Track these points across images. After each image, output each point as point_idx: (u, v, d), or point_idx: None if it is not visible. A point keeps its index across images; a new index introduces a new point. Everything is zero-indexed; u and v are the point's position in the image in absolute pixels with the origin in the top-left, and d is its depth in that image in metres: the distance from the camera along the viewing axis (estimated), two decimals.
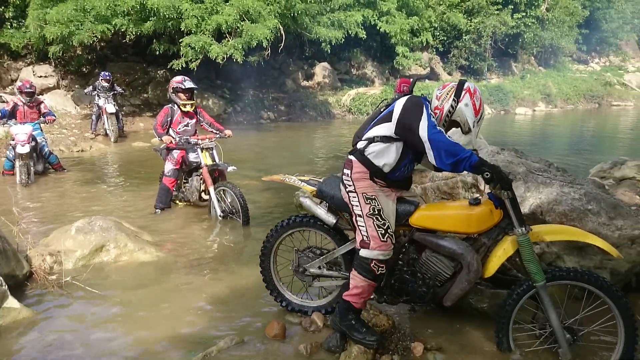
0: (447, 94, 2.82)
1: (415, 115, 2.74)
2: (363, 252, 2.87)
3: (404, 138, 2.84)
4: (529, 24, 25.20)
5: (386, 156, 2.88)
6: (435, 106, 2.85)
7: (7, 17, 13.68)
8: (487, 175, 2.60)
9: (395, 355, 2.89)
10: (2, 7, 13.76)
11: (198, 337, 3.20)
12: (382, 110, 3.02)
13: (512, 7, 24.56)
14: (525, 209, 4.00)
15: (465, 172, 2.75)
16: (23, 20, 13.09)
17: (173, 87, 5.96)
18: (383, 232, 2.84)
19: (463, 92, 2.79)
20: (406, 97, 2.88)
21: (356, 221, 2.93)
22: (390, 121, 2.84)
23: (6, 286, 3.44)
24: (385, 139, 2.87)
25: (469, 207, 2.85)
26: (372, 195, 2.90)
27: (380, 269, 2.86)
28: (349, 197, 2.97)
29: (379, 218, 2.86)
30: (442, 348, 3.01)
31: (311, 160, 10.16)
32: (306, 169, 9.10)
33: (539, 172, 4.38)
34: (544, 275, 2.72)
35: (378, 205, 2.88)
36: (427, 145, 2.68)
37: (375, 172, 2.91)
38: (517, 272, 3.56)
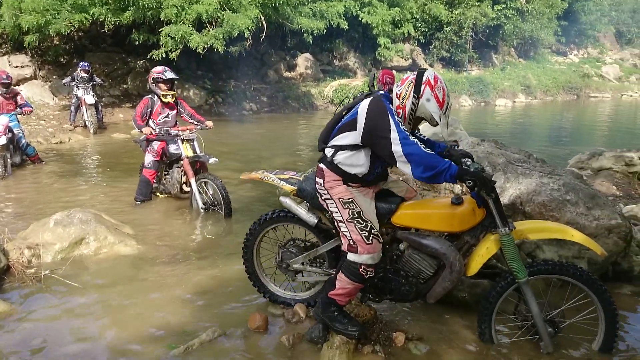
0: (407, 90, 2.66)
1: (382, 125, 2.61)
2: (351, 257, 2.81)
3: (372, 147, 2.73)
4: (509, 15, 25.43)
5: (357, 163, 2.78)
6: (397, 105, 2.71)
7: None
8: (469, 183, 2.54)
9: (377, 345, 2.91)
10: None
11: (179, 329, 3.18)
12: (344, 113, 2.91)
13: None
14: (504, 199, 4.05)
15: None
16: None
17: (153, 78, 5.88)
18: (367, 234, 2.77)
19: (422, 87, 2.63)
20: (368, 101, 2.72)
21: (339, 227, 2.87)
22: (355, 130, 2.72)
23: None
24: (352, 147, 2.77)
25: (451, 206, 2.80)
26: (348, 199, 2.81)
27: (369, 272, 2.80)
28: (326, 204, 2.90)
29: (360, 220, 2.78)
30: (423, 338, 3.04)
31: (294, 152, 10.14)
32: (289, 160, 9.08)
33: (519, 163, 4.43)
34: (526, 272, 2.74)
35: (357, 207, 2.80)
36: (403, 160, 2.56)
37: (348, 178, 2.84)
38: (497, 262, 3.61)
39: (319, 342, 2.95)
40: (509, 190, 4.13)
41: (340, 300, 2.92)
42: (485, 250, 2.77)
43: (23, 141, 7.97)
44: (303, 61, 20.11)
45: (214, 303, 3.55)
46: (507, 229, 2.70)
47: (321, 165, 2.91)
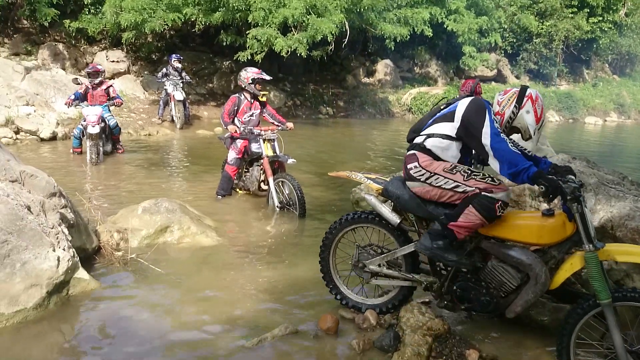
0: (509, 99, 2.83)
1: (478, 120, 2.75)
2: (489, 194, 2.77)
3: (465, 140, 2.84)
4: (606, 29, 23.92)
5: (448, 152, 2.90)
6: (496, 111, 2.87)
7: (85, 3, 14.38)
8: (542, 188, 2.56)
9: None
10: None
11: (252, 322, 3.27)
12: (442, 108, 3.02)
13: (588, 10, 23.40)
14: (594, 222, 3.83)
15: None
16: (100, 7, 13.69)
17: (253, 78, 6.11)
18: (490, 179, 2.78)
19: (525, 99, 2.80)
20: (470, 99, 2.88)
21: (458, 195, 2.83)
22: (453, 121, 2.86)
23: (77, 258, 3.64)
24: (445, 136, 2.89)
25: (541, 218, 2.76)
26: (452, 165, 2.86)
27: (501, 210, 2.75)
28: (429, 184, 2.89)
29: (475, 173, 2.79)
30: (498, 358, 2.93)
31: (368, 157, 10.12)
32: (362, 165, 9.08)
33: (612, 184, 4.17)
34: (610, 294, 2.59)
35: (463, 167, 2.84)
36: (491, 154, 2.69)
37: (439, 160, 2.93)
38: (580, 287, 3.43)
39: (390, 351, 2.93)
40: (600, 212, 3.90)
41: (458, 232, 2.84)
42: (570, 265, 2.70)
43: (113, 121, 8.46)
44: (383, 67, 20.02)
45: (285, 299, 3.62)
46: (591, 245, 2.60)
47: (412, 151, 3.00)
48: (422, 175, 2.92)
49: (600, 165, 4.72)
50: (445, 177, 2.85)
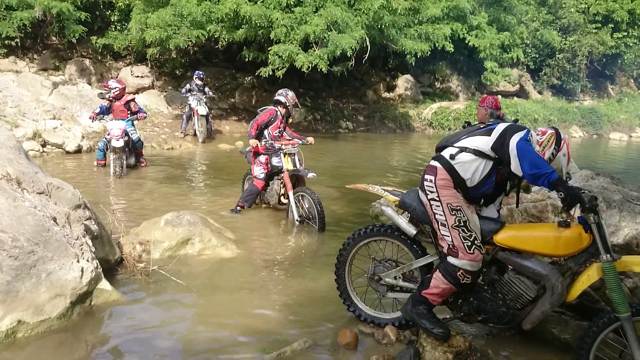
0: (548, 141, 2.90)
1: (515, 132, 2.84)
2: (451, 260, 2.87)
3: (498, 153, 2.87)
4: (631, 44, 23.57)
5: (472, 170, 2.91)
6: (537, 150, 2.91)
7: (112, 20, 14.80)
8: (561, 195, 2.63)
9: None
10: (109, 11, 14.92)
11: (271, 335, 3.27)
12: (481, 126, 3.07)
13: (613, 26, 23.12)
14: (619, 239, 3.77)
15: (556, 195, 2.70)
16: (126, 24, 14.06)
17: (296, 101, 6.34)
18: (470, 244, 2.84)
19: (562, 142, 2.91)
20: (511, 122, 2.99)
21: (438, 229, 2.93)
22: (489, 136, 2.90)
23: (100, 269, 3.70)
24: (477, 152, 2.91)
25: (557, 229, 2.77)
26: (457, 206, 2.89)
27: (466, 278, 2.86)
28: (430, 204, 2.97)
29: (465, 230, 2.85)
30: None
31: (387, 172, 10.10)
32: (382, 180, 9.05)
33: (637, 201, 4.11)
34: (629, 308, 2.56)
35: (464, 216, 2.87)
36: (514, 153, 2.75)
37: (458, 183, 2.92)
38: (605, 304, 3.36)
39: None
40: (624, 229, 3.84)
41: (432, 299, 2.98)
42: (587, 277, 2.70)
43: (136, 136, 8.63)
44: (403, 82, 20.01)
45: (304, 313, 3.62)
46: (609, 255, 2.61)
47: (435, 163, 3.01)
48: (431, 192, 2.96)
49: (625, 182, 4.65)
50: (443, 210, 2.91)
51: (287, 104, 6.23)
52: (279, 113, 6.23)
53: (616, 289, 2.58)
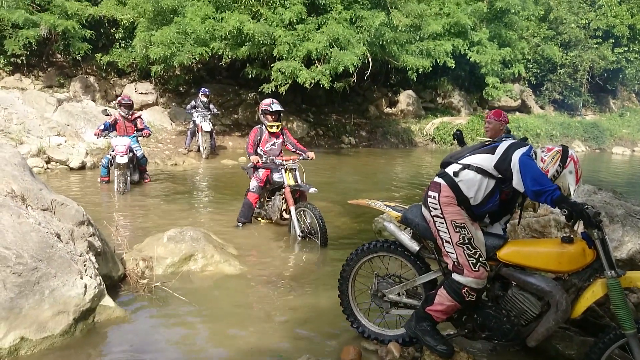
0: (553, 158, 2.87)
1: (518, 147, 2.85)
2: (456, 277, 2.86)
3: (500, 170, 2.87)
4: (632, 59, 23.67)
5: (475, 188, 2.90)
6: (541, 167, 2.90)
7: (117, 37, 14.99)
8: (564, 212, 2.61)
9: None
10: (114, 29, 15.10)
11: (275, 352, 3.26)
12: (486, 143, 3.08)
13: (613, 41, 23.25)
14: (622, 253, 3.74)
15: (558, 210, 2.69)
16: (130, 41, 14.23)
17: (262, 109, 6.26)
18: (475, 261, 2.82)
19: (568, 160, 2.86)
20: (517, 140, 3.01)
21: (443, 246, 2.93)
22: (493, 154, 2.90)
23: (104, 285, 3.70)
24: (480, 170, 2.90)
25: (561, 245, 2.77)
26: (461, 223, 2.88)
27: (471, 296, 2.85)
28: (434, 221, 2.96)
29: (470, 247, 2.84)
30: None
31: (390, 187, 10.11)
32: (384, 195, 9.05)
33: None
34: (634, 324, 2.55)
35: (468, 233, 2.86)
36: (516, 168, 2.75)
37: (462, 200, 2.92)
38: (610, 320, 3.34)
39: None
40: (627, 244, 3.81)
41: (436, 316, 2.97)
42: (591, 293, 2.69)
43: (140, 152, 8.69)
44: (405, 98, 20.11)
45: (307, 329, 3.61)
46: (613, 271, 2.60)
47: (439, 180, 3.01)
48: (435, 209, 2.96)
49: (628, 197, 4.64)
50: (447, 227, 2.91)
51: (270, 110, 6.17)
52: (263, 128, 6.27)
53: (622, 306, 2.57)
